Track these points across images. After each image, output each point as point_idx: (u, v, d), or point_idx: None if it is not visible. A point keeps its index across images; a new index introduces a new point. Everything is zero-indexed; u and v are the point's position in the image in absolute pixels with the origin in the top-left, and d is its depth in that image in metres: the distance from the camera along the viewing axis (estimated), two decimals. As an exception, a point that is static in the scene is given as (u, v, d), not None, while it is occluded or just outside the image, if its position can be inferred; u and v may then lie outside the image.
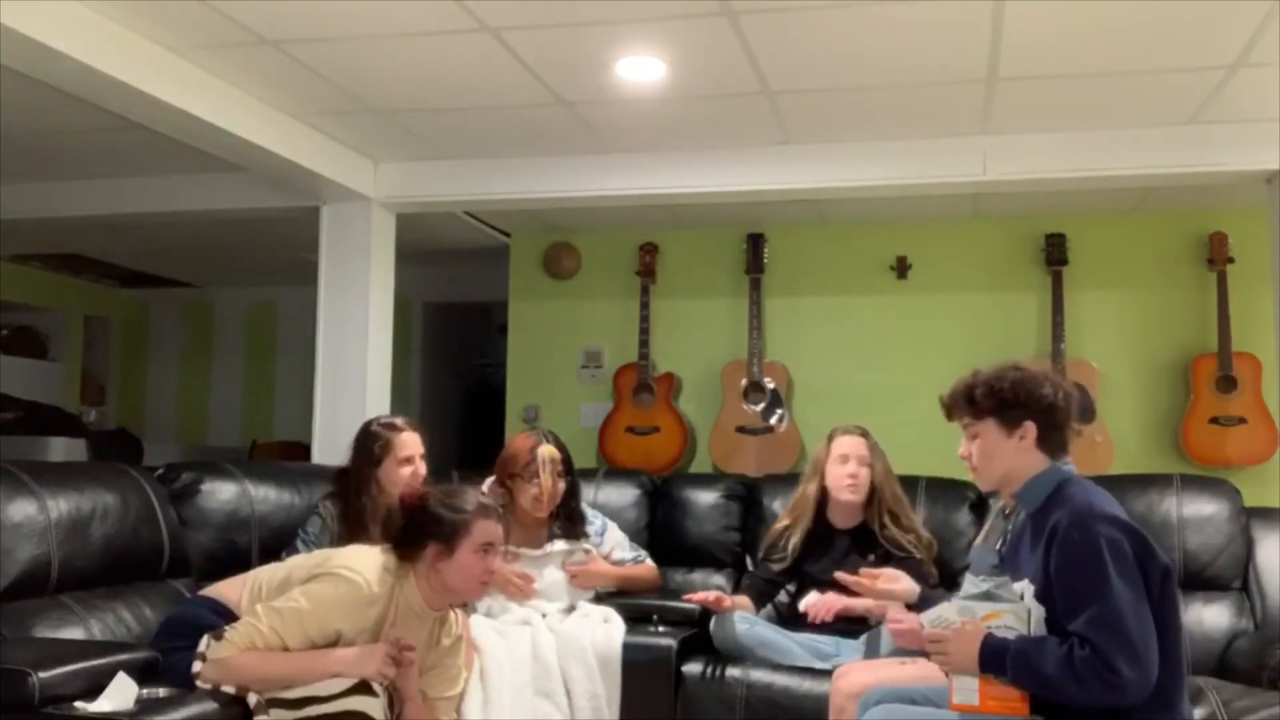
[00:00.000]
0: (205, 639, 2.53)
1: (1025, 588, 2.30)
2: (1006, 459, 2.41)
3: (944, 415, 2.54)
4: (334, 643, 2.56)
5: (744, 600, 3.58)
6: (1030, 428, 2.38)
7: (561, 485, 3.65)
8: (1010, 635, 2.23)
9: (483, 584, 2.69)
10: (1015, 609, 2.26)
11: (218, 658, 2.49)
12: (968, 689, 2.24)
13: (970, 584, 2.35)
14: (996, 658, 2.20)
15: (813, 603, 3.33)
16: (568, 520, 3.71)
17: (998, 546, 2.56)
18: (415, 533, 2.64)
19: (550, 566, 3.65)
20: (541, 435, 3.71)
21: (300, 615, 2.54)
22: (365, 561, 2.63)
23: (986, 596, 2.29)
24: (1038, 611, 2.24)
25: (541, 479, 3.57)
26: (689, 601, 3.47)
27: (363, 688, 2.47)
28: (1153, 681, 2.12)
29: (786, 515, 3.67)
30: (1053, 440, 2.40)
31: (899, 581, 2.99)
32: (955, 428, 2.64)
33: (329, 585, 2.58)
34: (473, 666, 3.22)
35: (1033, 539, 2.34)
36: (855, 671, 2.95)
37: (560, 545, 3.67)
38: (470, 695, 3.18)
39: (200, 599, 2.85)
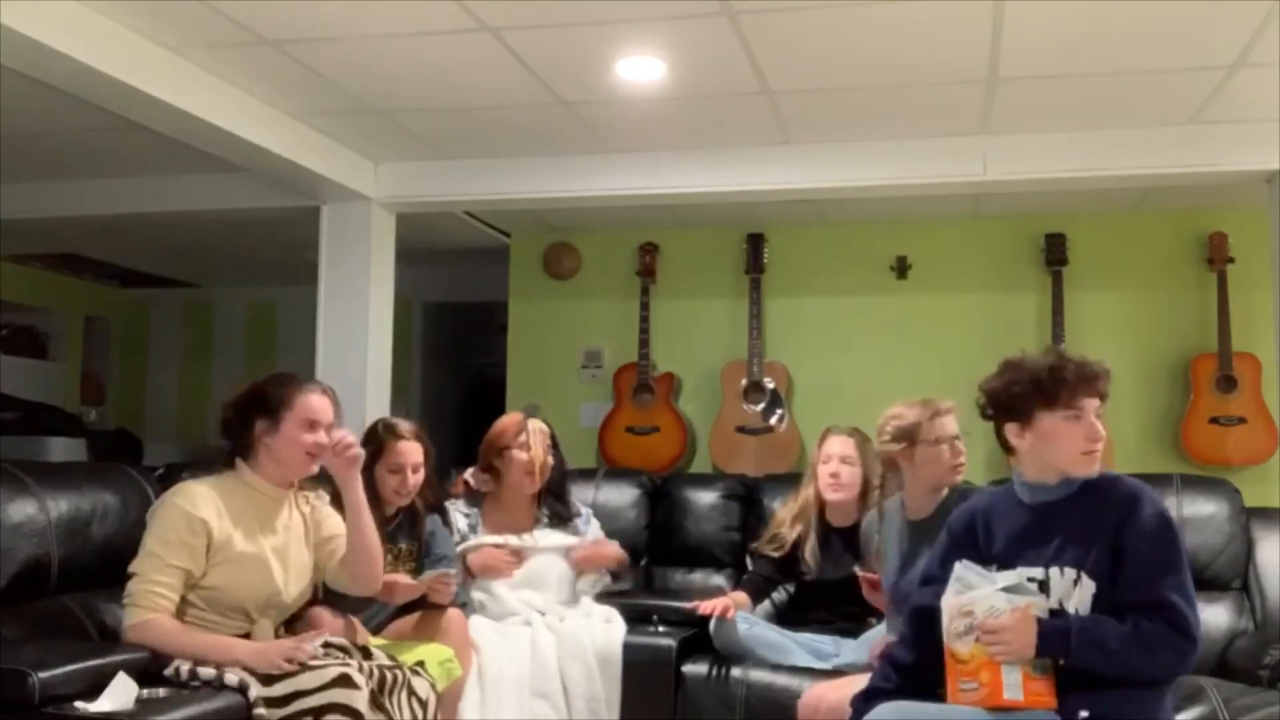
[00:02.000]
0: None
1: (1028, 574, 2.30)
2: (1048, 452, 2.41)
3: (1102, 396, 2.39)
4: (210, 538, 2.63)
5: (743, 598, 3.59)
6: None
7: (550, 460, 3.69)
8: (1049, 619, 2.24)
9: (310, 456, 2.77)
10: (1038, 601, 2.27)
11: (133, 623, 2.56)
12: (1015, 685, 2.21)
13: (976, 574, 2.32)
14: (1058, 638, 2.20)
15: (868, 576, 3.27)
16: (556, 499, 3.75)
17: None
18: (243, 416, 2.79)
19: (539, 555, 3.66)
20: (528, 412, 3.80)
21: (161, 535, 2.62)
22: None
23: (1019, 589, 2.28)
24: (1085, 588, 2.25)
25: (533, 449, 3.63)
26: (699, 612, 3.42)
27: (344, 680, 2.49)
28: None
29: (788, 517, 3.66)
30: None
31: None
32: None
33: (162, 508, 2.68)
34: (471, 666, 3.23)
35: (1043, 527, 2.34)
36: (826, 693, 2.93)
37: (552, 538, 3.69)
38: (468, 694, 3.19)
39: None
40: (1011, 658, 2.22)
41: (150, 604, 2.57)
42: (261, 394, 2.79)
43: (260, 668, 2.53)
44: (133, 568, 2.62)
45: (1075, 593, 2.25)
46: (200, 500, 2.66)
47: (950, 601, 2.32)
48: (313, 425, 2.77)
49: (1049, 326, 4.97)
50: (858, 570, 3.26)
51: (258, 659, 2.55)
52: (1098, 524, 2.29)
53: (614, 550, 3.80)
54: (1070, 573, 2.28)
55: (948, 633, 2.31)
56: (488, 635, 3.37)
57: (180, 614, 2.63)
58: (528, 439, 3.66)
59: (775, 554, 3.62)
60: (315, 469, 2.82)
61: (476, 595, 3.58)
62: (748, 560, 3.90)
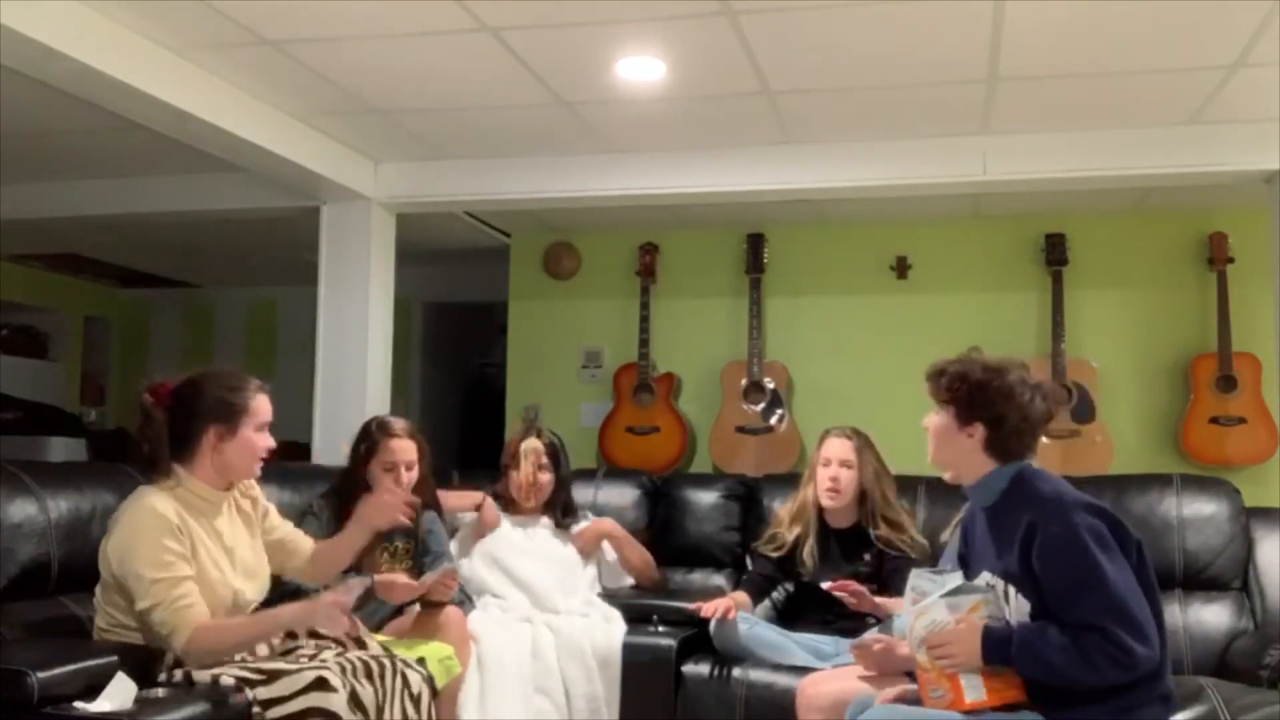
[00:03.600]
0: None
1: (987, 579, 2.32)
2: (954, 451, 2.43)
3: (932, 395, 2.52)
4: (188, 541, 2.57)
5: (743, 598, 3.58)
6: (979, 429, 2.39)
7: (544, 477, 3.76)
8: (996, 624, 2.25)
9: (261, 460, 2.74)
10: (988, 597, 2.29)
11: (182, 646, 2.50)
12: (975, 686, 2.23)
13: (928, 581, 2.35)
14: (1001, 647, 2.22)
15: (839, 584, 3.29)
16: (562, 513, 3.83)
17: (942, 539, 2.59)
18: (194, 418, 2.66)
19: (539, 528, 3.78)
20: (532, 430, 3.84)
21: (156, 560, 2.51)
22: (130, 501, 2.64)
23: (964, 589, 2.30)
24: (1022, 605, 2.25)
25: (521, 469, 3.72)
26: (701, 614, 3.39)
27: (321, 684, 2.48)
28: (1158, 651, 2.18)
29: (788, 518, 3.66)
30: (1005, 447, 2.38)
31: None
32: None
33: (140, 531, 2.56)
34: (470, 661, 3.23)
35: (993, 532, 2.36)
36: (823, 681, 2.93)
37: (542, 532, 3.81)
38: (468, 684, 3.20)
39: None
40: (960, 669, 2.25)
41: (186, 620, 2.50)
42: (220, 402, 2.67)
43: (315, 625, 2.60)
44: (145, 603, 2.51)
45: (1014, 607, 2.26)
46: (171, 512, 2.57)
47: (908, 611, 2.36)
48: (263, 427, 2.73)
49: (1049, 326, 4.97)
50: (825, 586, 3.26)
51: (306, 618, 2.61)
52: (1005, 540, 2.29)
53: (602, 525, 3.86)
54: (999, 582, 2.30)
55: (910, 642, 2.35)
56: (486, 628, 3.38)
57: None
58: (519, 462, 3.77)
59: (774, 554, 3.62)
60: (259, 472, 2.77)
61: (465, 570, 3.65)
62: (747, 560, 3.90)
